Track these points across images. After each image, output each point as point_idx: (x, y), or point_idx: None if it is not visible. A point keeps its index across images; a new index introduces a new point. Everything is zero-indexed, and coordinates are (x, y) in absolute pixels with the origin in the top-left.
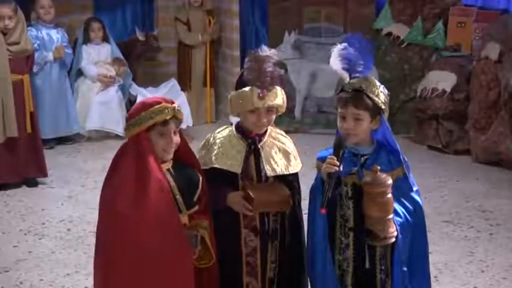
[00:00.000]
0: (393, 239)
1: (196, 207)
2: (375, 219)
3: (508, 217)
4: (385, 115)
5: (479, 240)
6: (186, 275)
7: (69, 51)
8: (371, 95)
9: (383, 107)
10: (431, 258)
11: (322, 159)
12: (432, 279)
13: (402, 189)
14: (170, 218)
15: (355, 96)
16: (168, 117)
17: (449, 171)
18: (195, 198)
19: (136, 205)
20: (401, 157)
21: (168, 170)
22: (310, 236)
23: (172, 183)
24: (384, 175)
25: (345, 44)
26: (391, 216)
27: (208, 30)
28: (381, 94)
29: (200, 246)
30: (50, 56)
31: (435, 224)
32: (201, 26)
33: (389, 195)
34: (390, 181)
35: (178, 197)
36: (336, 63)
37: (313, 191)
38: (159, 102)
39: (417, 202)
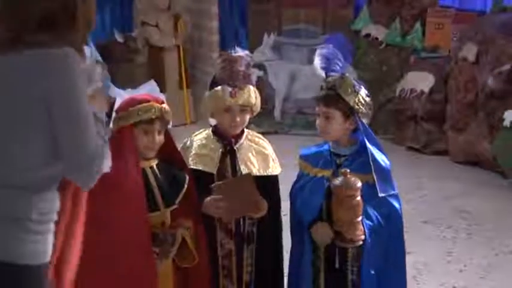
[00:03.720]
0: (360, 242)
1: (175, 206)
2: (343, 221)
3: (486, 217)
4: (363, 116)
5: (458, 240)
6: (145, 271)
7: None
8: (342, 94)
9: (356, 107)
10: (410, 259)
11: (304, 157)
12: (411, 279)
13: (377, 192)
14: (136, 214)
15: (327, 95)
16: (154, 116)
17: (428, 171)
18: (178, 198)
19: (109, 191)
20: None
21: (151, 167)
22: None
23: (153, 181)
24: (353, 178)
25: (325, 43)
26: (359, 219)
27: (179, 34)
28: (352, 94)
29: (176, 246)
30: None
31: (414, 224)
32: (171, 29)
33: (358, 198)
34: (359, 184)
35: (157, 195)
36: (316, 62)
37: (294, 193)
38: (147, 101)
39: (393, 207)
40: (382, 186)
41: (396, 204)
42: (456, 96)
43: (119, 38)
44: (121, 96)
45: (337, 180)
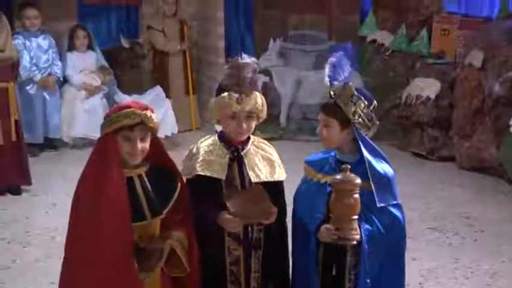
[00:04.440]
0: (353, 242)
1: (162, 216)
2: (340, 217)
3: (492, 223)
4: (361, 127)
5: (464, 246)
6: (127, 280)
7: (58, 64)
8: (340, 104)
9: (352, 117)
10: (416, 265)
11: (309, 163)
12: (417, 286)
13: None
14: (119, 220)
15: (326, 103)
16: (133, 123)
17: (434, 178)
18: (167, 208)
19: (92, 197)
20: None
21: (140, 176)
22: (297, 245)
23: (140, 190)
24: (352, 175)
25: (333, 51)
26: (355, 217)
27: (184, 39)
28: (350, 104)
29: (163, 260)
30: (38, 77)
31: (420, 231)
32: (177, 35)
33: (357, 196)
34: (358, 181)
35: (143, 204)
36: (325, 70)
37: (297, 197)
38: (128, 107)
39: (396, 217)
40: (381, 196)
41: (398, 214)
42: (462, 102)
43: (125, 43)
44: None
45: (338, 176)
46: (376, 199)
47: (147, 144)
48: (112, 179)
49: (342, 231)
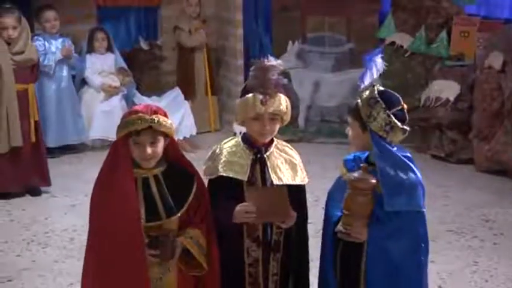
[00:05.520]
0: (353, 240)
1: (179, 215)
2: (348, 213)
3: None
4: (378, 130)
5: (483, 249)
6: (137, 280)
7: (77, 56)
8: (359, 106)
9: (366, 120)
10: (435, 268)
11: (344, 161)
12: None
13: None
14: (128, 222)
15: (350, 105)
16: (140, 128)
17: (453, 180)
18: (183, 208)
19: (103, 198)
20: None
21: (156, 176)
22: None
23: (155, 190)
24: (369, 175)
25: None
26: (364, 216)
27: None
28: (366, 107)
29: (177, 253)
30: (58, 54)
31: (439, 233)
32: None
33: (369, 195)
34: (373, 181)
35: (159, 204)
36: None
37: (330, 195)
38: (136, 112)
39: (413, 224)
40: (391, 201)
41: (416, 222)
42: (482, 104)
43: (144, 45)
44: (145, 103)
45: (355, 173)
46: (384, 203)
47: (158, 148)
48: (121, 181)
49: (342, 225)
